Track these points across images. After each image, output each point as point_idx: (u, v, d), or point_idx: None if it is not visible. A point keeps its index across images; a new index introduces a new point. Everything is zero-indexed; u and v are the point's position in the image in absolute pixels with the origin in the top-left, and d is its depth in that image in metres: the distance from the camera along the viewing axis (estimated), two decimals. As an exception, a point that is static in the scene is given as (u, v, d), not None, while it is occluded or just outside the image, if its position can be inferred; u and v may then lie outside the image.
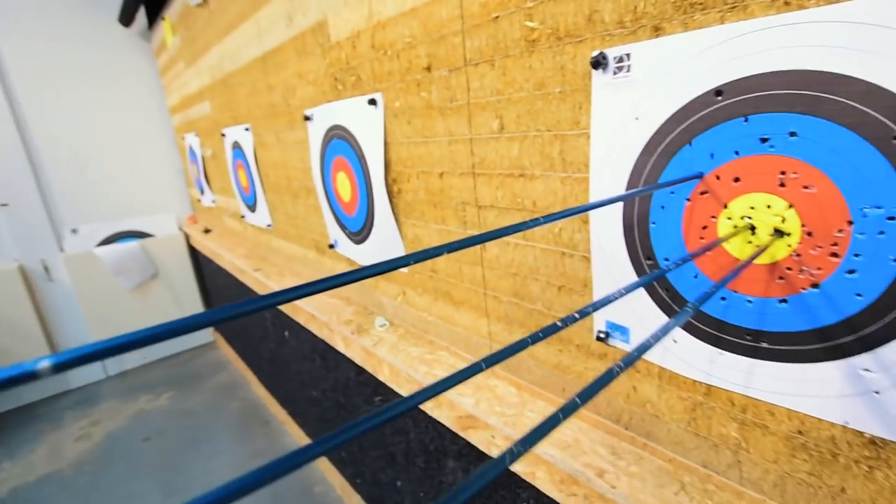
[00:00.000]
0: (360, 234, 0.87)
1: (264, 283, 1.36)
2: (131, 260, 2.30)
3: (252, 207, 1.41)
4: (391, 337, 0.91)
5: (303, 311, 1.18)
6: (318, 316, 1.08)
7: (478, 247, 0.64)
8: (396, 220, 0.76)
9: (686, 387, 0.46)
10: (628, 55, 0.39)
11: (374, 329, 0.96)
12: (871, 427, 0.35)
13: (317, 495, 1.56)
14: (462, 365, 0.78)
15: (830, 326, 0.34)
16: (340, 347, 1.05)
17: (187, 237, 2.37)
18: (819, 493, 0.40)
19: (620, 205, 0.45)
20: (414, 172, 0.69)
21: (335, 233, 0.98)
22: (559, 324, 0.23)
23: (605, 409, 0.56)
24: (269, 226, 1.35)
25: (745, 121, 0.34)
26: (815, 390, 0.37)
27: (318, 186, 0.95)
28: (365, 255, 0.88)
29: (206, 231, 2.13)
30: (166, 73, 2.03)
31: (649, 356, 0.48)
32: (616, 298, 0.25)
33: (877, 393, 0.34)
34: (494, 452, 0.67)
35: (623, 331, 0.50)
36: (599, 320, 0.52)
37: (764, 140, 0.34)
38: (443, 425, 0.80)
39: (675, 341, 0.45)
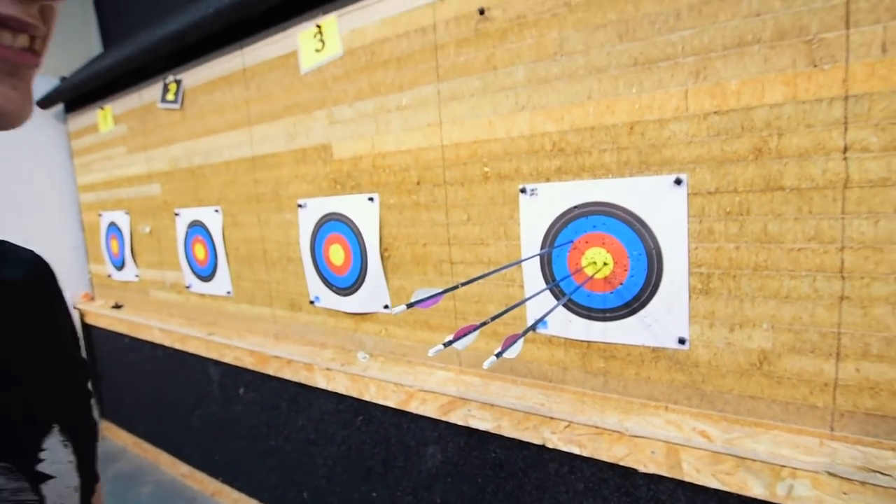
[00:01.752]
0: (349, 289, 1.26)
1: (225, 343, 1.61)
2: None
3: (207, 278, 1.67)
4: (375, 364, 1.30)
5: (275, 361, 1.48)
6: (299, 359, 1.40)
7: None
8: (385, 276, 1.19)
9: (578, 346, 0.97)
10: (536, 188, 0.92)
11: (357, 361, 1.33)
12: (650, 342, 0.88)
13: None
14: (439, 371, 1.20)
15: (629, 301, 0.87)
16: (321, 384, 1.38)
17: (82, 315, 2.38)
18: (641, 383, 0.92)
19: (538, 258, 0.95)
20: (402, 244, 1.14)
21: (317, 290, 1.35)
22: (489, 320, 0.70)
23: (538, 373, 1.04)
24: (228, 293, 1.62)
25: (587, 218, 0.87)
26: (630, 332, 0.90)
27: (306, 256, 1.33)
28: (352, 303, 1.27)
29: (117, 306, 2.21)
30: (85, 153, 2.17)
31: (558, 332, 0.98)
32: (530, 299, 0.73)
33: (650, 326, 0.87)
34: (472, 423, 1.09)
35: (544, 323, 0.99)
36: (531, 317, 1.01)
37: (594, 226, 0.87)
38: (426, 418, 1.19)
39: (570, 321, 0.95)
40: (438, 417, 1.16)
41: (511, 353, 0.53)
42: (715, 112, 0.76)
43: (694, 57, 0.76)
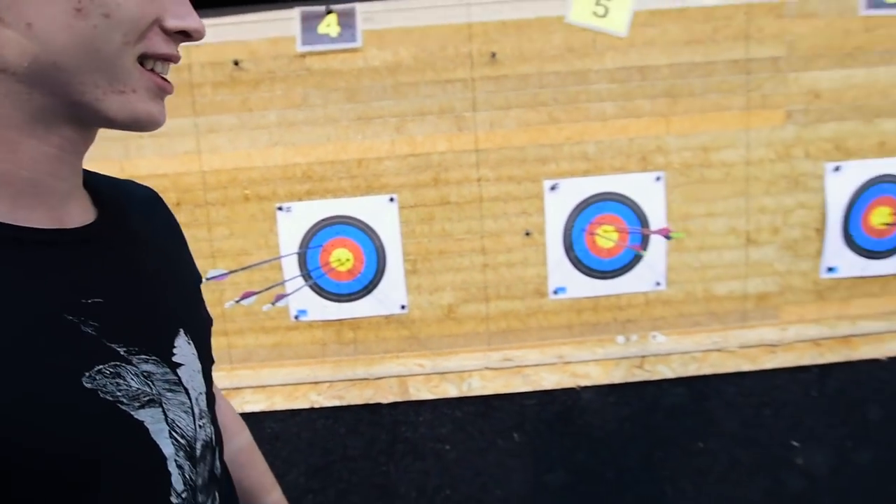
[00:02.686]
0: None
1: None
2: None
3: None
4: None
5: None
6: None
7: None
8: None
9: (333, 325, 1.28)
10: (291, 206, 1.19)
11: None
12: (383, 312, 1.27)
13: None
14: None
15: (366, 285, 1.24)
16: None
17: None
18: (380, 342, 1.30)
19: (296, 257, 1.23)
20: (161, 258, 1.22)
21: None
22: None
23: (303, 353, 1.31)
24: None
25: (332, 227, 1.20)
26: (369, 307, 1.26)
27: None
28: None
29: None
30: None
31: (317, 317, 1.27)
32: (290, 280, 1.04)
33: (382, 300, 1.26)
34: (247, 407, 1.28)
35: (304, 311, 1.27)
36: (293, 309, 1.27)
37: (338, 232, 1.20)
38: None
39: (325, 306, 1.26)
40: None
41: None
42: (410, 154, 1.19)
43: (395, 118, 1.18)
